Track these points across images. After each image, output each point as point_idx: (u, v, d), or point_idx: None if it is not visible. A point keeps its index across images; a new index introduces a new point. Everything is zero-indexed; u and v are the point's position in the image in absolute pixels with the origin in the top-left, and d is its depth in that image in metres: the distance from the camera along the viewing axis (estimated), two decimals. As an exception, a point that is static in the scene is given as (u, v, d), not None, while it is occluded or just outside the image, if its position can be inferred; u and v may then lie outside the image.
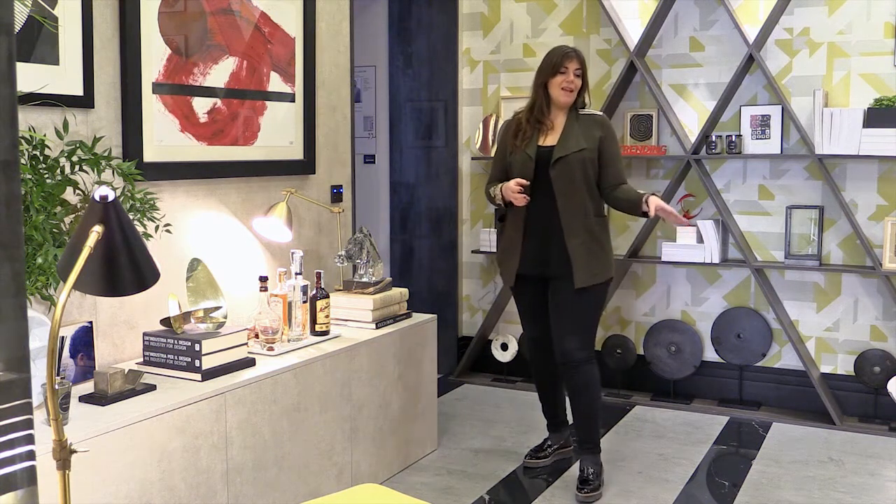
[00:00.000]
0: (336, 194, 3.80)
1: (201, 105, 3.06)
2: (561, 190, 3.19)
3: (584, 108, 3.33)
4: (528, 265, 3.31)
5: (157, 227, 2.58)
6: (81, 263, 1.58)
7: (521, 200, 3.20)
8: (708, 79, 4.29)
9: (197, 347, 2.62)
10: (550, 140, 3.28)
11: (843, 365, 4.14)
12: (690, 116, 4.35)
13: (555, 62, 3.27)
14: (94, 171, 2.42)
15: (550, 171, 3.21)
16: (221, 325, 2.78)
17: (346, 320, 3.42)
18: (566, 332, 3.25)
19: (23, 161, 2.30)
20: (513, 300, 4.75)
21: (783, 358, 4.26)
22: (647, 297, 4.54)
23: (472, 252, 4.83)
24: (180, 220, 3.01)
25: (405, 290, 3.62)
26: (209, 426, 2.53)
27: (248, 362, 2.80)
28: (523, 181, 3.20)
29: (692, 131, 4.32)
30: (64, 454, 1.60)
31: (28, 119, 2.49)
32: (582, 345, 3.25)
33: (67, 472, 1.59)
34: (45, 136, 2.36)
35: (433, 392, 3.69)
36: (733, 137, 4.14)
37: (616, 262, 3.88)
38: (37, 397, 2.25)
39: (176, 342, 2.66)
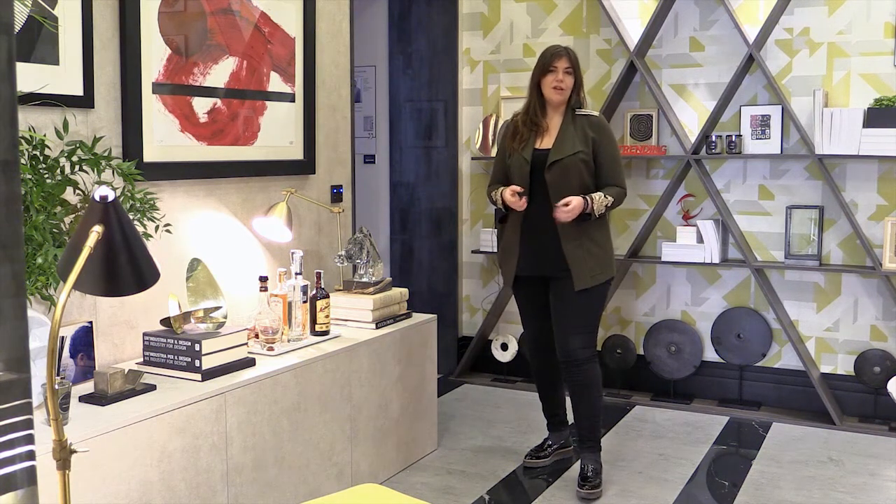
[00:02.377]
0: (336, 194, 3.80)
1: (201, 105, 3.07)
2: (556, 193, 3.19)
3: (580, 107, 3.32)
4: (526, 267, 3.32)
5: (157, 227, 2.59)
6: (81, 263, 1.58)
7: (519, 206, 3.22)
8: (708, 79, 4.29)
9: (197, 347, 2.62)
10: (546, 143, 3.28)
11: (843, 365, 4.14)
12: (690, 116, 4.35)
13: (545, 61, 3.29)
14: (94, 171, 2.42)
15: (546, 174, 3.22)
16: (221, 325, 2.78)
17: (346, 320, 3.42)
18: (568, 332, 3.25)
19: (23, 161, 2.30)
20: (513, 300, 4.78)
21: (783, 358, 4.26)
22: (647, 297, 4.54)
23: (472, 252, 4.83)
24: (180, 220, 3.01)
25: (405, 290, 3.62)
26: (209, 426, 2.53)
27: (248, 362, 2.80)
28: (518, 188, 3.21)
29: (692, 131, 4.32)
30: (64, 454, 1.60)
31: (28, 119, 2.49)
32: (584, 344, 3.26)
33: (67, 472, 1.60)
34: (45, 136, 2.36)
35: (433, 392, 3.69)
36: (733, 137, 4.14)
37: (616, 262, 3.88)
38: (37, 397, 2.25)
39: (176, 342, 2.66)
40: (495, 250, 4.61)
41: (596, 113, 3.38)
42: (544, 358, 3.47)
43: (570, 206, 3.12)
